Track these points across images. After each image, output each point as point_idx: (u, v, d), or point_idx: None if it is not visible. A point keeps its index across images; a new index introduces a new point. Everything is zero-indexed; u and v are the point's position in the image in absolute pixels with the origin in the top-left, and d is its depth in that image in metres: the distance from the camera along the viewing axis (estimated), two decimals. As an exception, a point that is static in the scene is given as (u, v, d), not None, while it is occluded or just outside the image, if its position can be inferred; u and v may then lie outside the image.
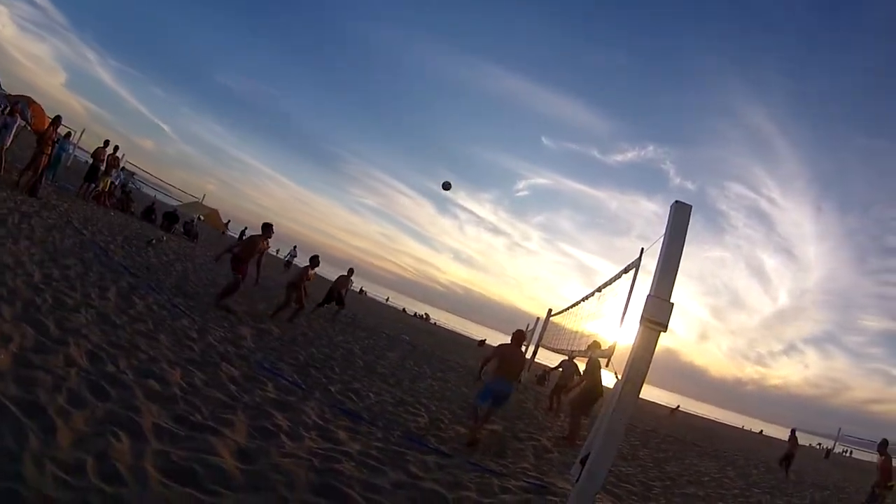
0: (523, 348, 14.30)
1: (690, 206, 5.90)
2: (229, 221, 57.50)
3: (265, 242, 13.54)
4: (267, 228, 13.64)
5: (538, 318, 28.65)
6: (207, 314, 11.13)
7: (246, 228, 56.33)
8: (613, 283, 10.95)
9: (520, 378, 12.03)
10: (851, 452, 65.87)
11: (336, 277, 20.28)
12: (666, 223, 5.98)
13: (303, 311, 15.80)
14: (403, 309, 73.60)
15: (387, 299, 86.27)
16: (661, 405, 66.66)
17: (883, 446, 13.46)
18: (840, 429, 59.87)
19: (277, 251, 54.24)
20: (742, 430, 69.76)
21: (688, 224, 5.88)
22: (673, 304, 5.62)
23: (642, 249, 8.56)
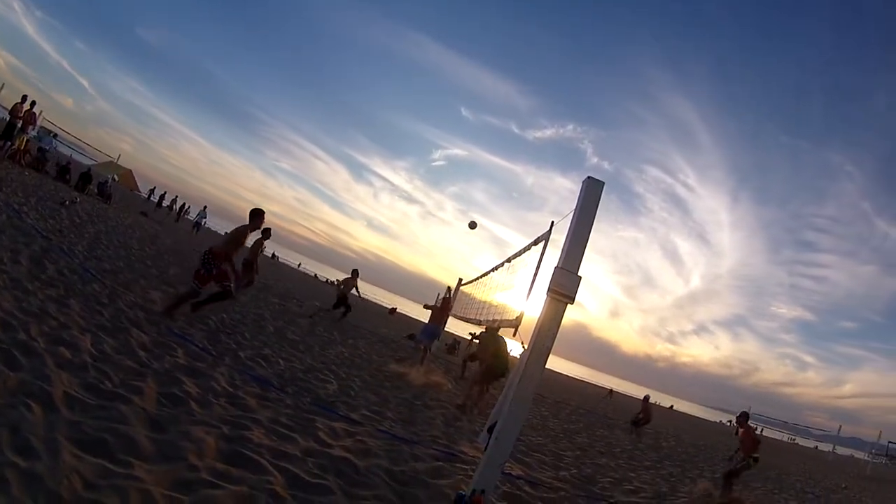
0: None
1: (603, 183, 6.06)
2: (154, 189, 55.68)
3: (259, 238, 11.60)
4: (256, 217, 10.52)
5: (449, 288, 28.92)
6: (118, 277, 10.95)
7: (154, 188, 55.00)
8: (523, 255, 11.13)
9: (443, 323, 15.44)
10: (763, 431, 68.48)
11: (343, 280, 21.07)
12: (577, 198, 6.14)
13: (252, 287, 16.07)
14: (315, 275, 73.21)
15: (299, 265, 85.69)
16: (595, 385, 67.83)
17: (743, 418, 14.02)
18: (750, 407, 62.06)
19: (187, 210, 53.20)
20: (654, 405, 71.56)
21: (599, 200, 6.05)
22: (581, 277, 5.81)
23: (552, 222, 8.71)
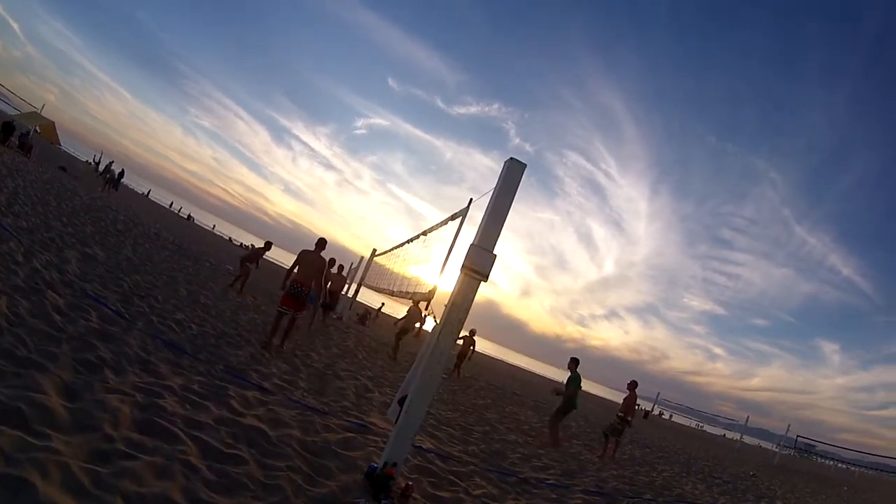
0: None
1: (524, 165, 6.12)
2: (109, 161, 53.10)
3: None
4: (324, 245, 11.76)
5: (362, 258, 28.83)
6: (35, 235, 10.73)
7: (101, 158, 52.91)
8: (439, 230, 11.22)
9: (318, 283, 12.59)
10: (672, 416, 69.99)
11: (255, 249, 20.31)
12: (498, 178, 6.20)
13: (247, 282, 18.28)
14: (230, 239, 72.12)
15: (213, 227, 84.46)
16: (504, 362, 67.43)
17: (632, 385, 15.19)
18: (658, 393, 63.03)
19: (98, 163, 51.73)
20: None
21: (519, 181, 6.10)
22: (496, 256, 5.89)
23: (471, 200, 8.81)
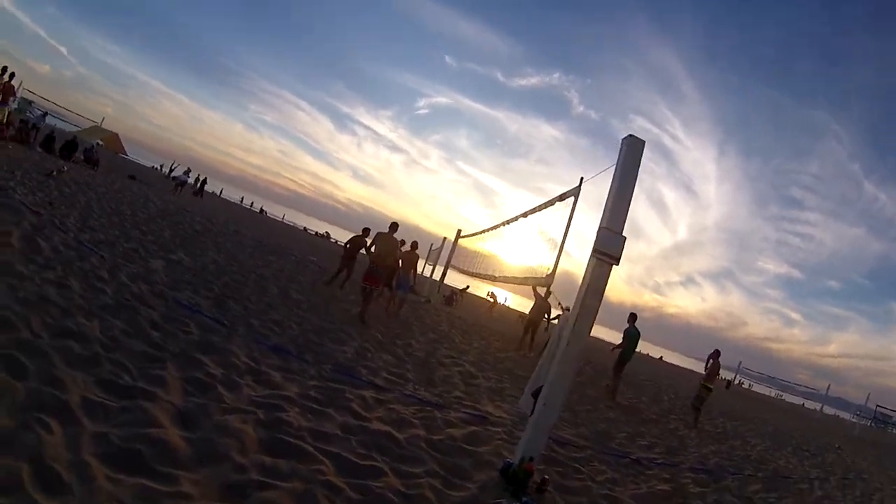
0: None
1: (643, 141, 5.93)
2: (186, 168, 49.57)
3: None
4: (396, 227, 13.31)
5: (445, 239, 28.41)
6: (115, 248, 10.37)
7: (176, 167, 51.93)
8: (538, 212, 10.81)
9: (392, 262, 13.82)
10: (751, 385, 68.47)
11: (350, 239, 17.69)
12: (618, 156, 5.99)
13: (349, 280, 17.00)
14: (305, 228, 72.69)
15: (283, 217, 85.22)
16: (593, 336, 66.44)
17: (715, 354, 15.59)
18: (740, 362, 61.62)
19: (172, 170, 51.71)
20: (644, 355, 69.24)
21: (640, 158, 5.95)
22: (625, 238, 5.66)
23: (581, 179, 8.33)
